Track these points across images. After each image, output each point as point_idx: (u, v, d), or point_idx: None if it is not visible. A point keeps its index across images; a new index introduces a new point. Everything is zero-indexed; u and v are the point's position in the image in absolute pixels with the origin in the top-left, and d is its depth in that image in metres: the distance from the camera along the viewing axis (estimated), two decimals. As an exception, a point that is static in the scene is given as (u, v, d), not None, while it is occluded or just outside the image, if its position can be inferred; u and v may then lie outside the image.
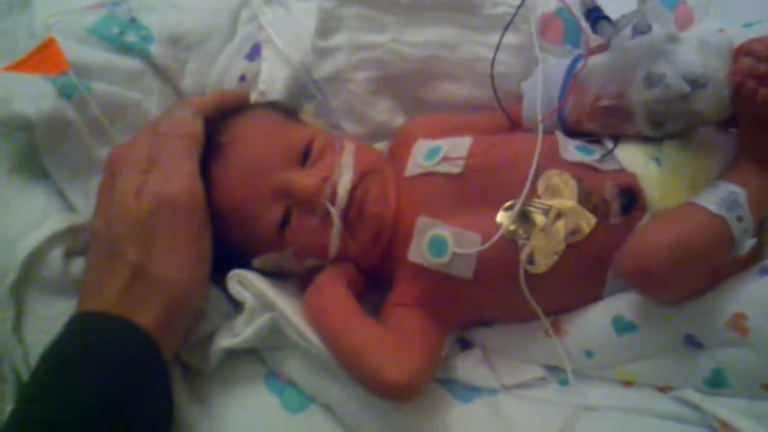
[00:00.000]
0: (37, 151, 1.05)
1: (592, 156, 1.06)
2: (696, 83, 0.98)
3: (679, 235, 0.93)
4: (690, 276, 0.94)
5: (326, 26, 1.22)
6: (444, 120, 1.22)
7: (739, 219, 0.93)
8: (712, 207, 0.93)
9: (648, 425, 0.97)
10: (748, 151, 1.00)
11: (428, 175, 1.09)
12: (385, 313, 1.07)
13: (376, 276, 1.12)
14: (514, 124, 1.17)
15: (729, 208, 0.92)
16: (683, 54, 0.99)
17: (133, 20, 1.21)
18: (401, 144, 1.19)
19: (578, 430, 0.98)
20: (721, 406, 0.94)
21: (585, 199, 1.01)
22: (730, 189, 0.95)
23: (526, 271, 1.00)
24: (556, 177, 1.03)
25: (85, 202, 1.07)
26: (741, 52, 0.97)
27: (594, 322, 1.02)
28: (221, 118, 1.09)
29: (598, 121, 1.07)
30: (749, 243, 0.95)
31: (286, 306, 1.01)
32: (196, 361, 1.04)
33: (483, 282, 1.02)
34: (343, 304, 1.02)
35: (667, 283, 0.94)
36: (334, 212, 1.02)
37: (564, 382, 1.04)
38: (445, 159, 1.08)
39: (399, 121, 1.26)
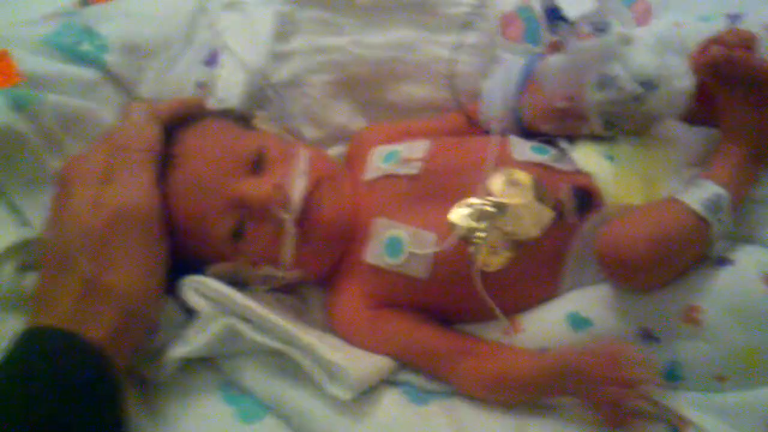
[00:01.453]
0: (-12, 166, 1.05)
1: (546, 156, 1.06)
2: (648, 84, 0.98)
3: (661, 230, 0.94)
4: (664, 269, 0.95)
5: (283, 30, 1.22)
6: (399, 126, 1.22)
7: (720, 221, 0.94)
8: (697, 207, 0.93)
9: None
10: (733, 139, 0.99)
11: (386, 177, 1.10)
12: (357, 319, 1.08)
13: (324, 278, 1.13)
14: (472, 125, 1.17)
15: (713, 210, 0.93)
16: (636, 55, 1.00)
17: (88, 29, 1.20)
18: (357, 151, 1.20)
19: (534, 429, 0.98)
20: (677, 401, 0.95)
21: (541, 195, 1.02)
22: (715, 190, 0.95)
23: (481, 270, 1.01)
24: (511, 175, 1.04)
25: (39, 215, 1.05)
26: (711, 42, 0.97)
27: (550, 319, 1.02)
28: (173, 129, 1.09)
29: (554, 122, 1.08)
30: (723, 243, 0.96)
31: (248, 302, 1.01)
32: (150, 372, 1.03)
33: (439, 281, 1.03)
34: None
35: (641, 273, 0.95)
36: (288, 219, 1.02)
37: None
38: (402, 161, 1.10)
39: (359, 124, 1.26)
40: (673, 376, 0.96)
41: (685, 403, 0.94)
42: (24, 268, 1.01)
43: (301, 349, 0.99)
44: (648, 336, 0.97)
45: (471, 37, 1.21)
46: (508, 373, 1.00)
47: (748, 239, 1.00)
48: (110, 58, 1.19)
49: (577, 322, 1.00)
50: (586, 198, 1.02)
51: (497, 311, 1.02)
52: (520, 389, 1.00)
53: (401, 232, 1.04)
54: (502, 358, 1.02)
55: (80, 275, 0.91)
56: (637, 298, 0.97)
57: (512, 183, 1.03)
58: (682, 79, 0.99)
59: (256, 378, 1.02)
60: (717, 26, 1.09)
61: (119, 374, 0.90)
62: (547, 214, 1.01)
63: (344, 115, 1.25)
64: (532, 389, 0.99)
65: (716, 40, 0.96)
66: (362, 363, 1.02)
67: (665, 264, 0.94)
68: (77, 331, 0.88)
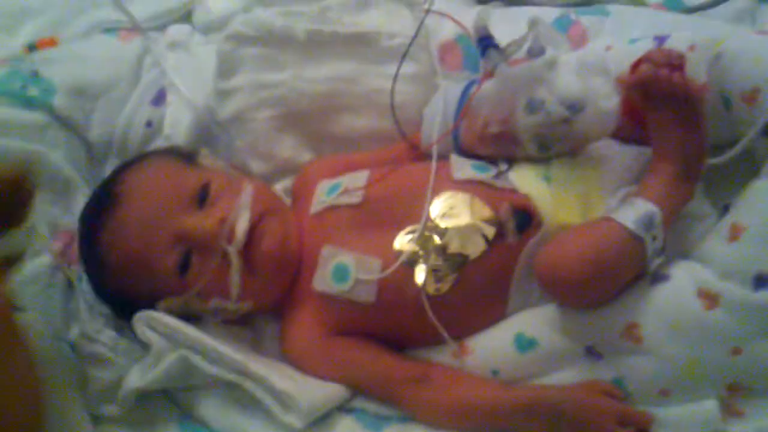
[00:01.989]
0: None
1: (486, 173, 1.08)
2: (575, 107, 1.01)
3: (595, 248, 0.95)
4: (601, 287, 0.97)
5: (226, 68, 1.24)
6: (341, 160, 1.25)
7: (654, 238, 0.95)
8: (630, 225, 0.94)
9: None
10: (663, 157, 1.00)
11: (331, 209, 1.12)
12: (310, 347, 1.09)
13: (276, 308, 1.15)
14: (414, 151, 1.20)
15: (646, 227, 0.94)
16: (561, 78, 1.03)
17: (35, 74, 1.23)
18: (302, 187, 1.23)
19: None
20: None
21: (480, 215, 1.04)
22: (647, 208, 0.96)
23: (427, 294, 1.02)
24: (451, 198, 1.06)
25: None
26: (641, 60, 0.99)
27: (497, 340, 1.04)
28: (116, 169, 1.10)
29: (489, 146, 1.10)
30: (657, 261, 0.97)
31: (198, 334, 1.03)
32: (108, 409, 1.04)
33: (386, 306, 1.04)
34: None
35: (578, 291, 0.97)
36: (232, 252, 1.04)
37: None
38: (345, 192, 1.12)
39: (305, 156, 1.28)
40: (618, 392, 0.99)
41: None
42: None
43: (252, 379, 1.00)
44: (592, 353, 0.99)
45: (410, 67, 1.24)
46: (468, 404, 1.01)
47: (684, 254, 1.02)
48: (58, 102, 1.22)
49: (523, 342, 1.02)
50: (526, 217, 1.04)
51: (445, 334, 1.03)
52: (480, 420, 1.01)
53: (347, 258, 1.06)
54: (461, 388, 1.03)
55: None
56: (581, 317, 0.99)
57: (452, 206, 1.05)
58: (607, 100, 1.01)
59: (211, 410, 1.04)
60: (645, 47, 1.12)
61: None
62: (486, 233, 1.03)
63: (289, 149, 1.27)
64: (494, 420, 1.00)
65: (646, 59, 0.99)
66: (314, 391, 1.03)
67: (601, 281, 0.96)
68: None
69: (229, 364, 1.01)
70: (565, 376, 1.01)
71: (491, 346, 1.04)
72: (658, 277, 0.98)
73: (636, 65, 1.00)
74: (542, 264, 0.99)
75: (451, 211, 1.05)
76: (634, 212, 0.96)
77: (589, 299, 0.98)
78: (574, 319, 0.99)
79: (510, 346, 1.02)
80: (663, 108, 0.97)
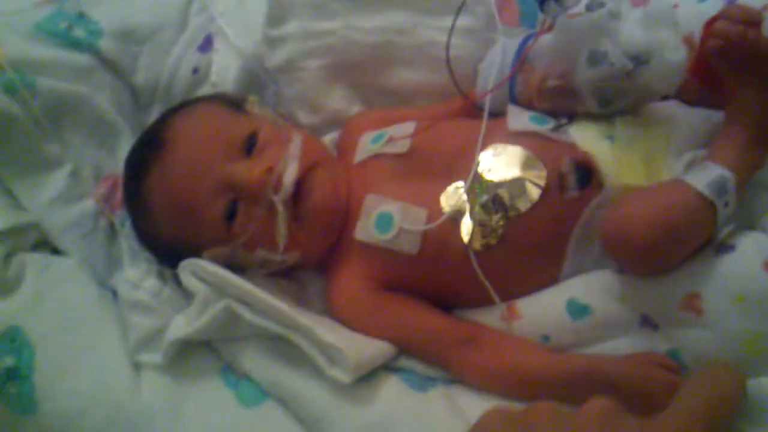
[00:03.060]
0: (-16, 150, 1.04)
1: (545, 126, 1.05)
2: (639, 59, 0.97)
3: (667, 212, 0.91)
4: (669, 252, 0.93)
5: (276, 15, 1.21)
6: (388, 114, 1.22)
7: (726, 204, 0.92)
8: (703, 189, 0.91)
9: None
10: (738, 121, 0.96)
11: (376, 157, 1.11)
12: (357, 303, 1.07)
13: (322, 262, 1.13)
14: (467, 106, 1.16)
15: (719, 192, 0.91)
16: (626, 30, 0.98)
17: (81, 15, 1.20)
18: (348, 138, 1.21)
19: None
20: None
21: (535, 168, 1.01)
22: (721, 172, 0.92)
23: (473, 248, 1.00)
24: (501, 150, 1.04)
25: (33, 199, 1.06)
26: (717, 17, 0.95)
27: (549, 305, 1.01)
28: (163, 114, 1.08)
29: (548, 101, 1.07)
30: (726, 230, 0.93)
31: (245, 283, 1.01)
32: (150, 358, 1.03)
33: (430, 260, 1.03)
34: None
35: (645, 255, 0.93)
36: (278, 202, 1.02)
37: (519, 371, 1.03)
38: (390, 140, 1.10)
39: (354, 109, 1.26)
40: (673, 364, 0.96)
41: None
42: (14, 252, 1.02)
43: (299, 331, 0.98)
44: (647, 323, 0.96)
45: (466, 21, 1.19)
46: (518, 369, 0.99)
47: (750, 225, 0.98)
48: (104, 44, 1.19)
49: (576, 309, 0.99)
50: (586, 174, 1.00)
51: (491, 292, 1.01)
52: (529, 386, 0.98)
53: (391, 207, 1.04)
54: (510, 352, 1.00)
55: None
56: (638, 284, 0.95)
57: (502, 158, 1.03)
58: (674, 52, 0.97)
59: (254, 362, 1.02)
60: (716, 7, 1.07)
61: None
62: (536, 188, 1.00)
63: (339, 101, 1.25)
64: (544, 388, 0.97)
65: (722, 15, 0.94)
66: (362, 347, 1.01)
67: (670, 246, 0.92)
68: None
69: (275, 315, 0.99)
70: (618, 346, 0.98)
71: (542, 311, 1.02)
72: (723, 248, 0.94)
73: (710, 23, 0.95)
74: (609, 225, 0.95)
75: (502, 163, 1.02)
76: (707, 176, 0.92)
77: (654, 265, 0.94)
78: (632, 286, 0.96)
79: (562, 311, 1.00)
80: (741, 68, 0.93)
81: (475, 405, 0.99)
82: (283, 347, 1.01)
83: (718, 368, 0.80)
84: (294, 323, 0.98)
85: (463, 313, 1.07)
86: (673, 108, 1.05)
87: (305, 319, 0.98)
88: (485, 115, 1.06)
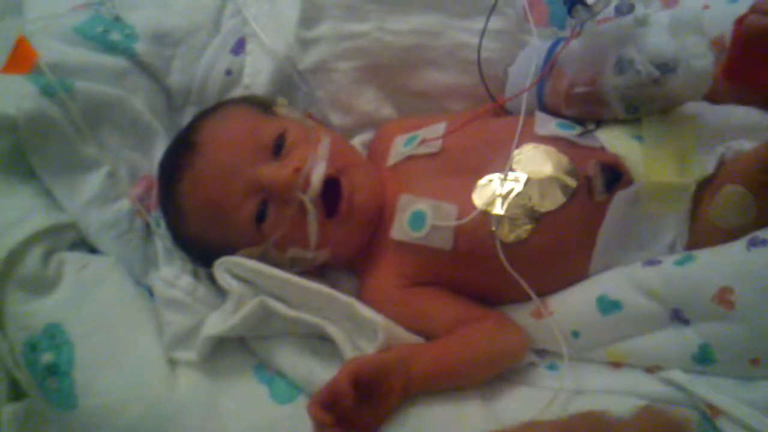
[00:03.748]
0: (23, 152, 1.06)
1: (571, 131, 1.06)
2: (666, 67, 0.97)
3: None
4: None
5: (309, 16, 1.22)
6: (418, 120, 1.22)
7: None
8: None
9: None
10: None
11: (408, 159, 1.13)
12: (388, 297, 1.08)
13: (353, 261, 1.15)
14: (497, 108, 1.17)
15: None
16: (653, 37, 0.99)
17: (117, 19, 1.22)
18: (380, 143, 1.22)
19: (565, 414, 0.95)
20: (708, 388, 0.92)
21: (565, 169, 1.02)
22: None
23: (503, 242, 1.01)
24: (533, 149, 1.04)
25: (71, 199, 1.08)
26: (749, 11, 0.95)
27: (579, 301, 1.02)
28: (194, 118, 1.11)
29: (575, 107, 1.07)
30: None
31: (282, 273, 1.03)
32: (185, 355, 1.04)
33: (463, 255, 1.04)
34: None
35: None
36: (308, 202, 1.03)
37: (552, 367, 1.04)
38: (423, 142, 1.12)
39: (385, 110, 1.27)
40: (704, 359, 0.95)
41: (717, 391, 0.91)
42: (53, 251, 1.03)
43: (337, 309, 1.00)
44: (678, 318, 0.96)
45: (497, 23, 1.20)
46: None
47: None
48: (140, 47, 1.21)
49: (606, 304, 0.99)
50: (615, 175, 1.01)
51: (525, 286, 1.01)
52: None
53: (423, 206, 1.05)
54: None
55: None
56: (669, 279, 0.95)
57: (533, 157, 1.04)
58: (701, 59, 0.97)
59: (288, 359, 1.04)
60: (747, 7, 1.06)
61: None
62: (567, 188, 1.01)
63: (370, 102, 1.26)
64: None
65: (754, 9, 0.94)
66: (398, 334, 1.03)
67: None
68: None
69: (311, 304, 1.01)
70: (649, 341, 0.98)
71: (572, 307, 1.03)
72: (756, 241, 0.93)
73: (741, 20, 0.95)
74: None
75: (532, 162, 1.04)
76: None
77: None
78: (662, 281, 0.96)
79: (592, 307, 1.00)
80: None
81: (507, 397, 1.02)
82: (316, 344, 1.03)
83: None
84: (335, 300, 1.01)
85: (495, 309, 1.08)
86: (701, 105, 1.05)
87: (345, 296, 1.01)
88: (522, 112, 1.07)
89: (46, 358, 0.95)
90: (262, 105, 1.16)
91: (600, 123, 1.08)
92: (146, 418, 0.95)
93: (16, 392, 1.01)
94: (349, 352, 0.98)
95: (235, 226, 1.06)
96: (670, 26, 0.99)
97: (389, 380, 0.94)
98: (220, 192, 1.05)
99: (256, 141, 1.07)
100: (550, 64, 1.09)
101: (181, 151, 1.10)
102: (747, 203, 0.94)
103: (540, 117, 1.09)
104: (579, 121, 1.09)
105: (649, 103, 1.02)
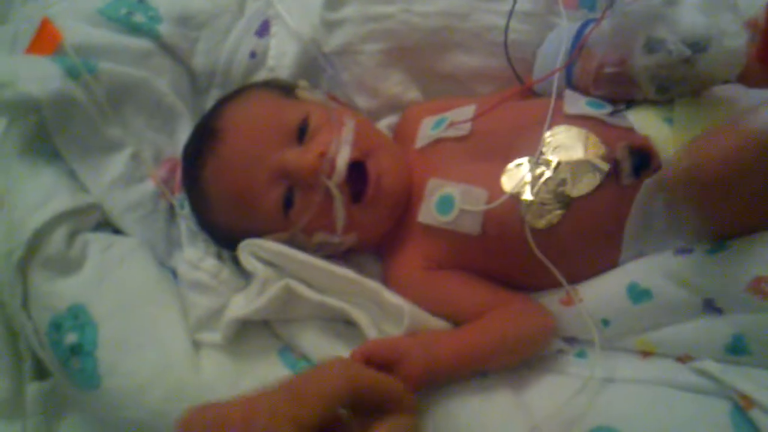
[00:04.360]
0: (48, 133, 1.06)
1: (601, 110, 1.04)
2: (697, 46, 0.95)
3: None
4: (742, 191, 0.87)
5: (334, -2, 1.21)
6: (446, 101, 1.21)
7: None
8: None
9: (666, 397, 0.93)
10: None
11: (436, 142, 1.11)
12: (413, 279, 1.07)
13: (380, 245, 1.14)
14: (525, 90, 1.15)
15: None
16: (683, 16, 0.96)
17: (140, 1, 1.21)
18: (406, 125, 1.21)
19: (595, 403, 0.95)
20: (741, 378, 0.90)
21: (594, 151, 1.00)
22: None
23: (533, 227, 0.99)
24: (564, 132, 1.02)
25: (95, 180, 1.08)
26: None
27: (609, 289, 1.00)
28: (216, 103, 1.10)
29: (605, 88, 1.05)
30: None
31: (306, 256, 1.02)
32: (209, 337, 1.04)
33: (491, 240, 1.02)
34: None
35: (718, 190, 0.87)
36: (333, 187, 1.02)
37: (581, 355, 1.02)
38: (451, 125, 1.10)
39: (411, 93, 1.25)
40: (737, 350, 0.93)
41: (750, 381, 0.89)
42: (77, 232, 1.03)
43: (363, 294, 1.00)
44: (711, 308, 0.94)
45: (525, 5, 1.18)
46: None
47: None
48: (164, 29, 1.20)
49: (637, 293, 0.97)
50: (644, 158, 0.99)
51: (555, 272, 0.99)
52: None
53: (452, 189, 1.04)
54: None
55: None
56: (702, 267, 0.93)
57: (564, 140, 1.02)
58: (735, 38, 0.94)
59: (313, 342, 1.03)
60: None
61: None
62: (598, 173, 0.99)
63: (396, 85, 1.24)
64: None
65: None
66: (424, 319, 1.02)
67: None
68: None
69: (336, 287, 1.01)
70: (680, 331, 0.96)
71: (602, 295, 1.01)
72: (792, 230, 0.91)
73: None
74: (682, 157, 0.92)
75: (563, 144, 1.01)
76: None
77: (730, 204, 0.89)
78: (695, 269, 0.94)
79: (623, 295, 0.98)
80: None
81: (536, 385, 1.00)
82: (340, 327, 1.02)
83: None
84: (361, 285, 1.00)
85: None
86: (734, 89, 1.02)
87: (371, 282, 1.00)
88: (553, 93, 1.05)
89: (70, 338, 0.95)
90: (284, 88, 1.14)
91: (630, 104, 1.06)
92: (169, 400, 0.95)
93: (41, 372, 1.02)
94: (373, 336, 0.98)
95: (261, 214, 1.05)
96: (702, 5, 0.97)
97: (405, 363, 0.91)
98: (245, 180, 1.04)
99: (279, 126, 1.06)
100: (580, 44, 1.07)
101: (204, 137, 1.09)
102: None
103: (569, 96, 1.07)
104: (609, 100, 1.07)
105: (680, 84, 0.99)
